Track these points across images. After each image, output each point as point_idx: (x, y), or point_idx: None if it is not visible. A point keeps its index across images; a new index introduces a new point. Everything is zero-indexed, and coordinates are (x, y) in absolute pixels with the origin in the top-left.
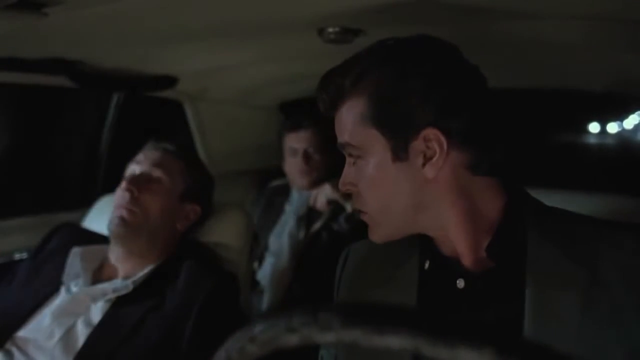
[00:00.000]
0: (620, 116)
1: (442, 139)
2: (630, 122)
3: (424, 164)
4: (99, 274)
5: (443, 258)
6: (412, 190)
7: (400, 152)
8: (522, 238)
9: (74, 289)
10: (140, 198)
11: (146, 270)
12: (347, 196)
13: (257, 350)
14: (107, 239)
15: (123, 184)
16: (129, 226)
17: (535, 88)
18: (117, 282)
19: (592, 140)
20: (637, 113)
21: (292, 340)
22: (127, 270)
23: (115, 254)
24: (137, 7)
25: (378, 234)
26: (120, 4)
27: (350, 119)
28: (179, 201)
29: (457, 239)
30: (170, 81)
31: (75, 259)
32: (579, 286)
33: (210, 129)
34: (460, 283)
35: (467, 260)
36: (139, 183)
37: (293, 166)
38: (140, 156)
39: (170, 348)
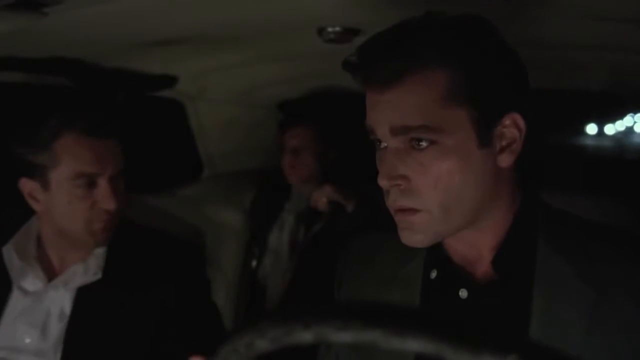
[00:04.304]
0: (616, 117)
1: (522, 124)
2: (624, 124)
3: (501, 151)
4: (48, 264)
5: (451, 266)
6: (484, 180)
7: (485, 137)
8: (531, 249)
9: (29, 287)
10: (116, 205)
11: (98, 253)
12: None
13: (267, 345)
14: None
15: (106, 197)
16: (111, 231)
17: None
18: (78, 269)
19: (589, 142)
20: (631, 114)
21: (305, 337)
22: (79, 256)
23: (64, 248)
24: (137, 7)
25: (426, 236)
26: (120, 4)
27: (427, 96)
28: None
29: (487, 238)
30: (170, 81)
31: (11, 256)
32: (587, 304)
33: (210, 129)
34: (463, 293)
35: (479, 266)
36: (115, 192)
37: (285, 162)
38: (85, 154)
39: (150, 325)
